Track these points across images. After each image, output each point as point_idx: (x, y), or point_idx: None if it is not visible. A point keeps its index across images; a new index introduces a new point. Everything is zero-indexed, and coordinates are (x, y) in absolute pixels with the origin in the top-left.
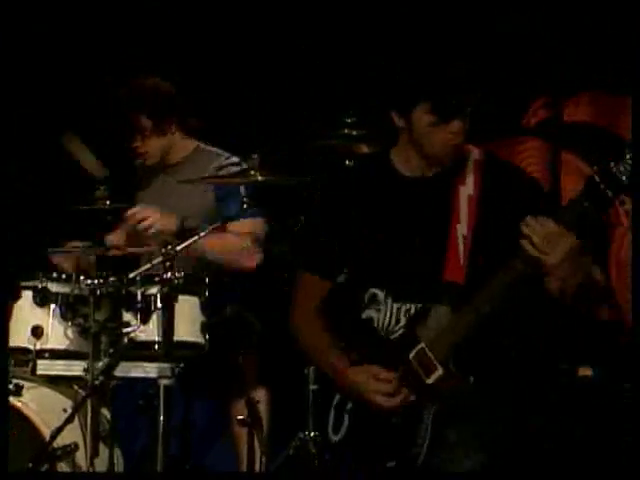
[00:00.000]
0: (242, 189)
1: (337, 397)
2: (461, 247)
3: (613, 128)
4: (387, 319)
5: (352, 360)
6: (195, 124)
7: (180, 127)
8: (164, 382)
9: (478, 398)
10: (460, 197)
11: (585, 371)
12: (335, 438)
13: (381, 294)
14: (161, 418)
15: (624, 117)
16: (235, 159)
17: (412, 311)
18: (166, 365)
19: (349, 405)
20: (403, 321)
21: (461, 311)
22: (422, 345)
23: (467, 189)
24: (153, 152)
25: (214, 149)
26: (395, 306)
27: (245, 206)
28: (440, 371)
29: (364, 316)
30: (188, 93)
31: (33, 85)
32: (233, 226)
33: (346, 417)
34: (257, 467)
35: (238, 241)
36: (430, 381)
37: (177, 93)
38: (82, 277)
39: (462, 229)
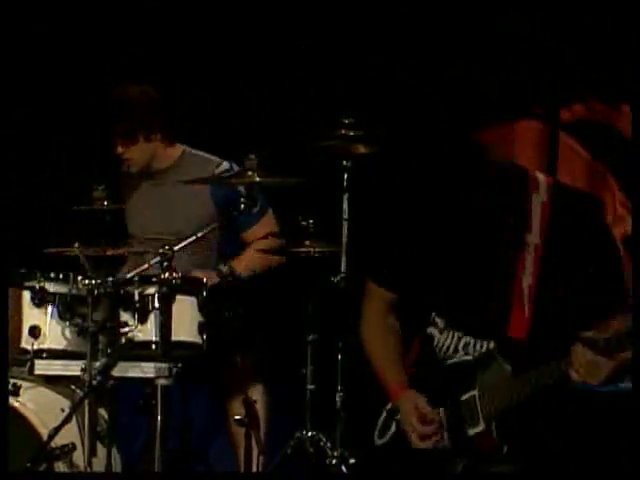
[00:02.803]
0: (242, 190)
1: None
2: (526, 298)
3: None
4: (447, 343)
5: (408, 373)
6: (179, 129)
7: (166, 133)
8: (162, 382)
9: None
10: (527, 245)
11: None
12: (379, 442)
13: (441, 322)
14: (159, 418)
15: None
16: (226, 165)
17: (471, 345)
18: (164, 365)
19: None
20: (461, 352)
21: (519, 378)
22: (475, 392)
23: (533, 238)
24: (138, 159)
25: (201, 153)
26: (456, 335)
27: (245, 208)
28: (481, 427)
29: (428, 332)
30: (186, 94)
31: (31, 84)
32: (247, 236)
33: (394, 424)
34: (254, 467)
35: (261, 255)
36: (470, 433)
37: (163, 98)
38: (80, 277)
39: (527, 280)
